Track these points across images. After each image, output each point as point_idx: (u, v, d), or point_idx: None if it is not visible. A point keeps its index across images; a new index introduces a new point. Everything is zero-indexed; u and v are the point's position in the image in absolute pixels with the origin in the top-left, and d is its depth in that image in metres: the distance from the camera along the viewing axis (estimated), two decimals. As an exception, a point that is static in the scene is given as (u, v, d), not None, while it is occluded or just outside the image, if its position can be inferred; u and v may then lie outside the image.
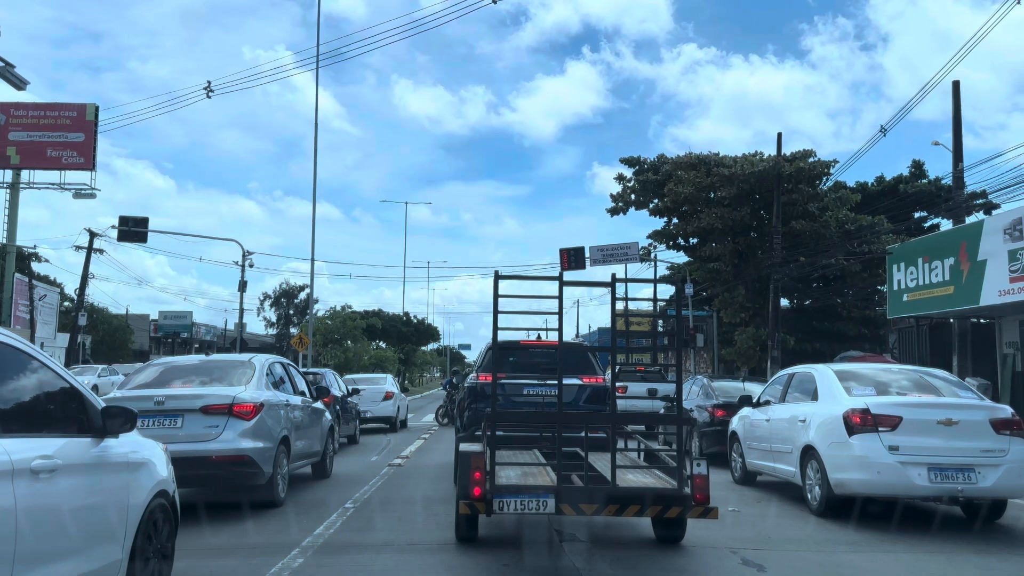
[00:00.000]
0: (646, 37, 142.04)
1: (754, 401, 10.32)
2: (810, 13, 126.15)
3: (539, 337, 10.06)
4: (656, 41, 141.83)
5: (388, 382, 22.32)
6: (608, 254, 27.97)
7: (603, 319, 74.99)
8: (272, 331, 72.18)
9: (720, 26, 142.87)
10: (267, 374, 8.99)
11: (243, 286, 34.65)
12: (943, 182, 26.61)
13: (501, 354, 8.18)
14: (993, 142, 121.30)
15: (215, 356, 10.20)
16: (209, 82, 24.65)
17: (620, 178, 31.55)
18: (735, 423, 10.85)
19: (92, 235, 32.27)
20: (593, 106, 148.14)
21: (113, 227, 29.23)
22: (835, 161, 28.20)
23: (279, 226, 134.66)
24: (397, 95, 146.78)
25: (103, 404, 4.25)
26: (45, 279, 41.29)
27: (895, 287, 21.08)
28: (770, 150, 28.36)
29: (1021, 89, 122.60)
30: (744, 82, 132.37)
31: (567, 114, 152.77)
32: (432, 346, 79.09)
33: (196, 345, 65.35)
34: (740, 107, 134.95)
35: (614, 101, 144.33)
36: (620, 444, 7.37)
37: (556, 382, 6.28)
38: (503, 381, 7.99)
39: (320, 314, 50.22)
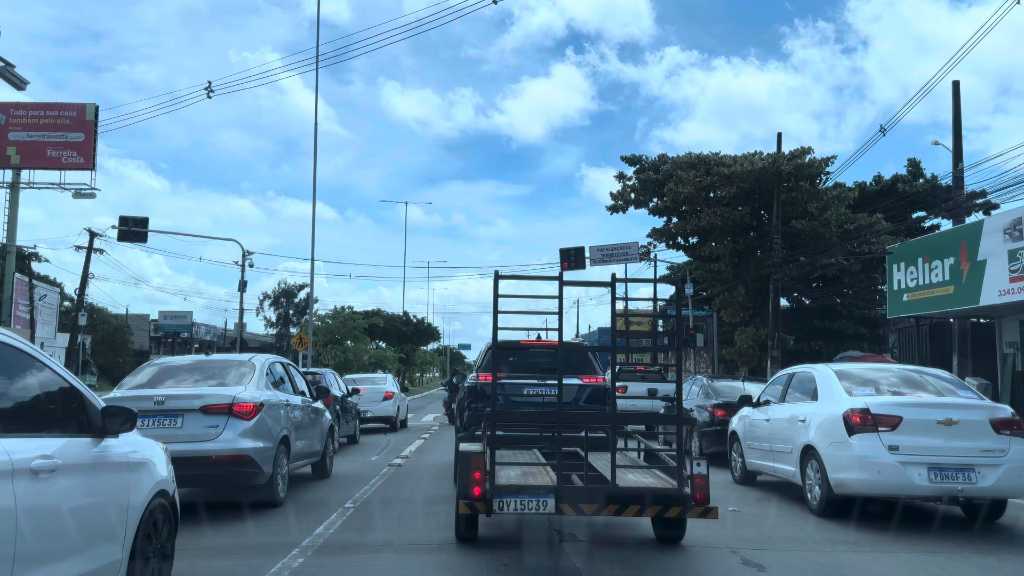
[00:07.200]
0: (630, 40, 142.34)
1: (754, 401, 10.32)
2: (790, 16, 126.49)
3: (539, 337, 10.07)
4: (639, 44, 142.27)
5: (388, 382, 22.35)
6: (608, 254, 27.97)
7: (603, 319, 75.03)
8: (272, 331, 72.21)
9: (702, 29, 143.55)
10: (267, 374, 8.99)
11: (243, 286, 34.65)
12: (942, 182, 26.61)
13: (501, 354, 8.19)
14: (977, 143, 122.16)
15: (215, 356, 10.19)
16: (210, 82, 24.64)
17: (620, 177, 31.55)
18: (735, 423, 10.85)
19: (92, 235, 32.28)
20: (581, 108, 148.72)
21: (113, 227, 29.24)
22: (834, 156, 28.22)
23: (275, 226, 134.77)
24: (386, 97, 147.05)
25: (103, 404, 4.25)
26: (45, 279, 41.23)
27: (895, 287, 21.08)
28: (759, 151, 28.37)
29: (1004, 91, 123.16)
30: (728, 84, 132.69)
31: (556, 116, 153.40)
32: (432, 346, 79.11)
33: (196, 345, 65.31)
34: (725, 109, 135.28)
35: (601, 104, 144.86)
36: (620, 444, 7.37)
37: (556, 382, 6.28)
38: (503, 381, 8.01)
39: (321, 314, 50.23)
